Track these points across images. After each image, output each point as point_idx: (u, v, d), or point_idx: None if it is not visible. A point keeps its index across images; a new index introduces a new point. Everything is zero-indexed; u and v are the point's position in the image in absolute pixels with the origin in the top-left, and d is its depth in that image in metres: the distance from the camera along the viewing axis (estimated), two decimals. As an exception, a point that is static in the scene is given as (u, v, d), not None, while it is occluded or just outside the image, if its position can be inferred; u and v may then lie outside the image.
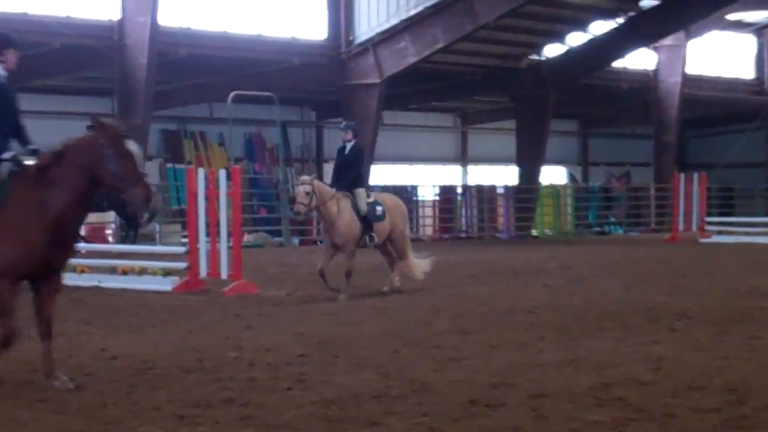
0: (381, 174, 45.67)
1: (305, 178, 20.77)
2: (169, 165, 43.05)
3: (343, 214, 20.26)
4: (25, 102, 36.53)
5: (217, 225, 21.47)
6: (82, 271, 22.90)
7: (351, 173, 20.81)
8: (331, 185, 20.78)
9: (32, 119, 38.65)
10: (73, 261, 23.84)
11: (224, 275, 21.17)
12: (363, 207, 20.53)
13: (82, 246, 28.99)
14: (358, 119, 41.04)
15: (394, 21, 40.14)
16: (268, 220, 40.76)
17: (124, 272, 22.42)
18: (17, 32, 32.32)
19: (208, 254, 21.40)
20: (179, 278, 21.48)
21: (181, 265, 21.73)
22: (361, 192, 20.81)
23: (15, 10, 33.42)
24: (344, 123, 22.11)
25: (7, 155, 11.21)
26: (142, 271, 22.22)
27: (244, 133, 45.23)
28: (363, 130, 40.91)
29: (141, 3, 34.05)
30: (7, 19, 32.70)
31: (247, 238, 35.47)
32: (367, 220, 20.59)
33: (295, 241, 39.11)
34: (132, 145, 11.12)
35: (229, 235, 21.72)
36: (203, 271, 21.36)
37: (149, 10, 33.86)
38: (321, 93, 45.61)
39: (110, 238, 35.47)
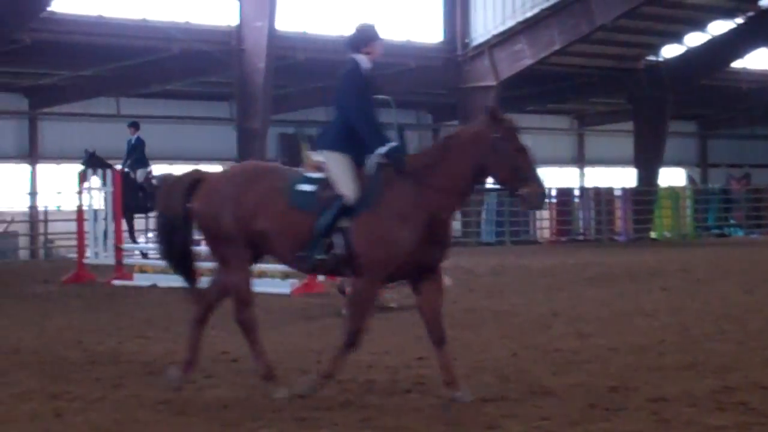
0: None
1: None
2: (288, 167, 43.33)
3: None
4: (146, 107, 37.24)
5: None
6: (203, 275, 23.06)
7: None
8: None
9: (153, 124, 39.38)
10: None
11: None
12: None
13: (201, 249, 29.30)
14: (474, 121, 41.01)
15: (510, 23, 40.05)
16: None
17: (244, 275, 22.56)
18: (137, 38, 33.08)
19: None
20: (298, 281, 21.57)
21: (300, 268, 21.84)
22: None
23: (135, 16, 33.85)
24: None
25: (382, 149, 11.17)
26: (262, 274, 22.31)
27: (362, 135, 45.36)
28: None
29: (259, 8, 34.32)
30: (128, 25, 33.21)
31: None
32: None
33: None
34: (526, 140, 11.00)
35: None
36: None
37: (267, 15, 34.12)
38: (437, 96, 45.64)
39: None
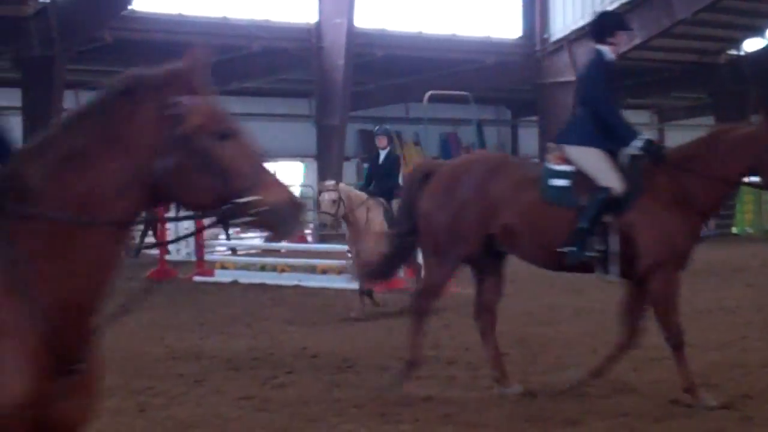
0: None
1: (330, 183, 18.93)
2: (366, 165, 43.43)
3: (374, 224, 17.98)
4: (225, 104, 37.11)
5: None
6: (283, 271, 23.23)
7: (388, 183, 18.83)
8: (362, 190, 19.18)
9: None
10: (274, 260, 24.34)
11: (422, 274, 21.20)
12: None
13: (281, 245, 29.42)
14: (553, 117, 40.89)
15: (590, 18, 39.78)
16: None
17: (324, 271, 22.66)
18: (217, 36, 33.27)
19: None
20: (378, 277, 21.56)
21: (380, 263, 21.80)
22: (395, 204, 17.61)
23: (215, 14, 34.06)
24: (378, 127, 20.02)
25: (638, 142, 10.76)
26: (341, 271, 22.41)
27: (439, 132, 45.35)
28: (558, 128, 40.80)
29: (338, 5, 34.41)
30: (208, 23, 33.38)
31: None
32: None
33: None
34: None
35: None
36: (401, 271, 21.40)
37: (346, 12, 34.20)
38: (516, 91, 45.54)
39: (309, 238, 35.90)
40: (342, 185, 19.07)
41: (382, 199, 18.38)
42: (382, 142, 19.07)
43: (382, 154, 19.09)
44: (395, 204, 17.18)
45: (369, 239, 17.26)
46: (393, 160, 19.21)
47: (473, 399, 10.70)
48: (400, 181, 18.64)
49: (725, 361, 12.76)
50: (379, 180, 18.88)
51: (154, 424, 9.73)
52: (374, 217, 18.01)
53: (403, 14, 38.48)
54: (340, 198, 18.10)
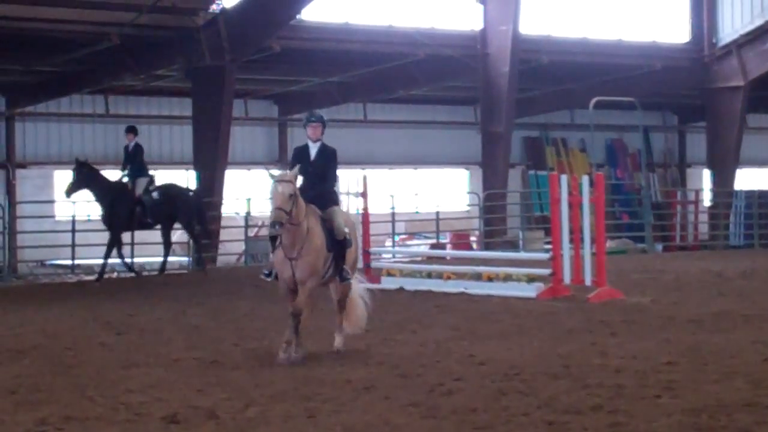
0: (747, 179, 44.59)
1: (286, 173, 14.20)
2: (531, 172, 43.28)
3: (313, 237, 14.22)
4: (391, 112, 37.38)
5: (581, 231, 21.33)
6: (449, 278, 23.23)
7: (325, 187, 14.93)
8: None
9: (398, 129, 39.75)
10: (440, 267, 24.34)
11: (588, 282, 21.06)
12: (342, 229, 14.55)
13: (447, 252, 29.43)
14: (721, 123, 40.38)
15: (759, 22, 39.24)
16: (631, 225, 40.41)
17: (489, 279, 22.58)
18: (383, 44, 33.40)
19: (572, 261, 21.34)
20: (543, 285, 21.47)
21: (545, 271, 21.69)
22: (338, 211, 14.85)
23: (380, 23, 34.27)
24: (310, 113, 15.55)
25: None
26: (507, 278, 22.33)
27: (605, 138, 45.05)
28: (726, 134, 40.30)
29: (503, 12, 34.38)
30: (374, 31, 33.64)
31: (609, 244, 35.27)
32: (341, 247, 14.62)
33: (659, 247, 38.63)
34: None
35: (593, 241, 21.52)
36: (567, 278, 21.28)
37: (511, 19, 34.16)
38: (683, 97, 44.97)
39: (475, 245, 35.86)
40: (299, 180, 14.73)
41: (316, 209, 14.46)
42: (315, 132, 15.04)
43: (314, 149, 15.02)
44: (338, 212, 14.77)
45: (307, 254, 14.05)
46: (330, 157, 15.11)
47: (642, 408, 10.56)
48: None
49: None
50: (316, 181, 14.80)
51: (323, 430, 9.78)
52: (314, 227, 14.23)
53: (568, 20, 38.31)
54: (296, 193, 13.89)
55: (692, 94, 42.73)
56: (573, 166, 42.39)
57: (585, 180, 21.60)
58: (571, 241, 21.27)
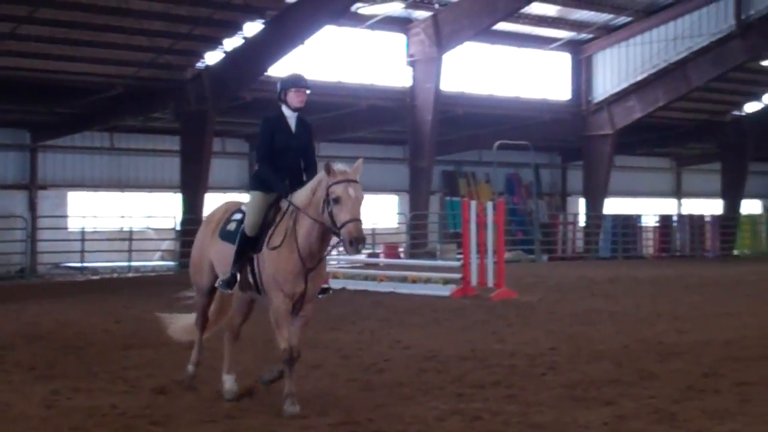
0: (613, 206, 44.86)
1: (348, 171, 9.35)
2: (448, 198, 43.26)
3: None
4: (340, 149, 36.95)
5: (485, 244, 21.38)
6: (381, 280, 23.18)
7: (314, 171, 9.78)
8: (280, 189, 9.61)
9: (344, 163, 39.61)
10: (375, 272, 24.29)
11: (490, 284, 21.12)
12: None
13: (380, 260, 29.37)
14: (594, 162, 40.71)
15: (624, 85, 39.65)
16: (524, 241, 40.52)
17: (413, 281, 22.56)
18: (334, 96, 33.24)
19: (478, 267, 21.37)
20: (455, 286, 21.47)
21: (457, 275, 21.73)
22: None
23: (332, 79, 34.20)
24: (296, 76, 10.09)
25: None
26: (427, 281, 22.34)
27: (505, 173, 45.11)
28: (598, 171, 40.64)
29: (428, 73, 34.38)
30: (327, 86, 33.51)
31: (507, 255, 35.34)
32: None
33: (545, 257, 38.84)
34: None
35: (494, 252, 21.58)
36: (474, 281, 21.32)
37: (434, 78, 34.19)
38: (566, 141, 45.12)
39: (402, 255, 35.84)
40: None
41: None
42: (301, 99, 9.90)
43: (292, 120, 9.88)
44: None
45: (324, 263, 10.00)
46: (310, 131, 10.04)
47: (531, 383, 10.58)
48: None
49: (729, 355, 12.54)
50: (296, 163, 9.86)
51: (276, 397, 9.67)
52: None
53: (479, 79, 38.39)
54: None
55: (573, 140, 42.93)
56: (480, 195, 42.41)
57: (489, 205, 21.71)
58: (478, 252, 21.32)
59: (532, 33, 38.63)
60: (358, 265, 25.31)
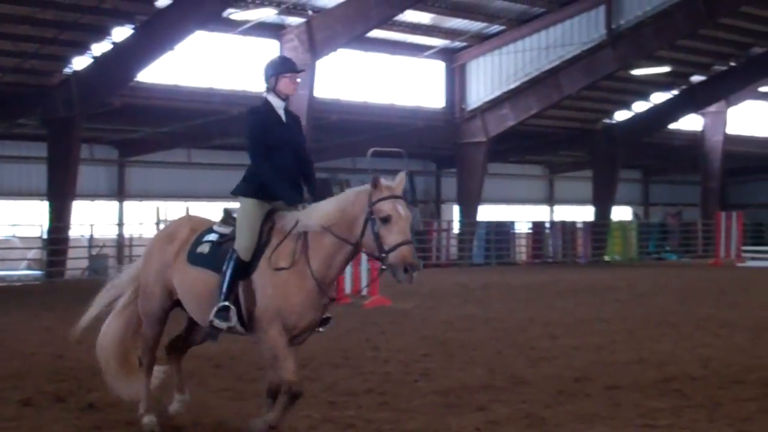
0: (486, 212, 45.41)
1: (392, 185, 8.16)
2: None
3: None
4: (211, 156, 36.58)
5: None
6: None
7: (313, 172, 8.75)
8: (291, 198, 8.35)
9: (218, 170, 39.21)
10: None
11: (364, 291, 21.16)
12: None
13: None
14: (468, 170, 41.14)
15: (498, 93, 40.18)
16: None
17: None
18: (205, 103, 32.99)
19: (352, 275, 21.41)
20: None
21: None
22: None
23: (203, 85, 33.93)
24: (287, 60, 8.92)
25: None
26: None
27: (379, 180, 45.29)
28: (472, 178, 41.09)
29: (301, 79, 34.28)
30: (198, 92, 33.25)
31: (381, 262, 35.47)
32: None
33: (421, 264, 39.11)
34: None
35: (368, 259, 21.59)
36: (348, 288, 21.33)
37: (308, 85, 34.11)
38: (440, 149, 45.57)
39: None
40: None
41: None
42: (294, 87, 8.67)
43: (280, 110, 8.60)
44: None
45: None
46: (299, 123, 8.88)
47: (405, 390, 10.63)
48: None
49: (600, 359, 12.79)
50: (292, 164, 8.54)
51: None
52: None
53: (353, 87, 38.50)
54: None
55: (447, 147, 43.36)
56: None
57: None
58: (351, 259, 21.30)
59: (406, 40, 38.93)
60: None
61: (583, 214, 50.10)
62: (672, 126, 48.60)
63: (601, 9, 37.63)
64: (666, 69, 41.63)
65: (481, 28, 39.10)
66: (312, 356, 13.04)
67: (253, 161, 8.34)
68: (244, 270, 8.04)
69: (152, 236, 9.20)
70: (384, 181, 8.01)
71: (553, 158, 52.62)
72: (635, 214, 56.44)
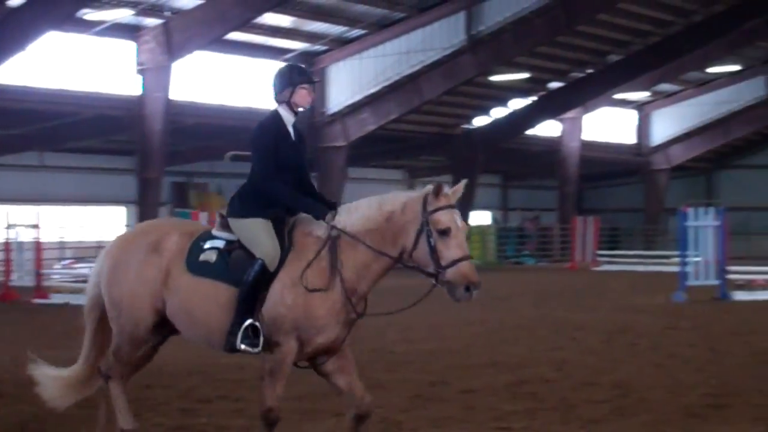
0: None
1: (448, 193, 7.76)
2: (178, 210, 42.84)
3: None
4: (64, 160, 35.88)
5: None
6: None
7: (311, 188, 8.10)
8: (321, 211, 7.66)
9: (70, 173, 38.50)
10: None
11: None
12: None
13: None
14: (328, 174, 41.16)
15: (358, 97, 40.31)
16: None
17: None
18: (57, 104, 32.36)
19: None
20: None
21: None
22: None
23: (56, 86, 33.24)
24: (301, 68, 8.34)
25: None
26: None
27: (237, 184, 44.94)
28: (333, 182, 41.14)
29: (158, 82, 33.87)
30: (50, 93, 32.56)
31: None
32: None
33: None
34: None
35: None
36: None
37: (164, 87, 33.73)
38: (299, 153, 45.52)
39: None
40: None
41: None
42: (309, 99, 7.98)
43: (289, 125, 7.91)
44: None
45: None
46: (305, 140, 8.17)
47: (258, 396, 10.56)
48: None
49: (455, 363, 12.91)
50: (303, 183, 8.03)
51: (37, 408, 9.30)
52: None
53: (210, 89, 38.17)
54: None
55: (308, 151, 43.33)
56: (211, 206, 42.22)
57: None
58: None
59: (266, 43, 38.76)
60: (81, 279, 24.70)
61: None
62: (530, 132, 49.48)
63: (462, 15, 38.07)
64: (525, 75, 42.40)
65: (342, 31, 39.18)
66: (167, 364, 12.87)
67: (263, 181, 7.66)
68: (267, 280, 7.36)
69: (113, 244, 8.22)
70: (447, 188, 7.45)
71: (413, 162, 53.06)
72: (494, 219, 57.28)
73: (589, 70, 45.91)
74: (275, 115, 7.79)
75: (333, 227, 7.38)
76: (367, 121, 40.61)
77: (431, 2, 38.00)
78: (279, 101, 7.80)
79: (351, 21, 38.31)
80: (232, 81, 39.01)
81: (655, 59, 43.67)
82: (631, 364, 12.96)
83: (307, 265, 7.32)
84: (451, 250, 7.27)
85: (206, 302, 7.51)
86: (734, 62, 49.69)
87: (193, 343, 7.94)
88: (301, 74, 7.87)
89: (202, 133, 38.49)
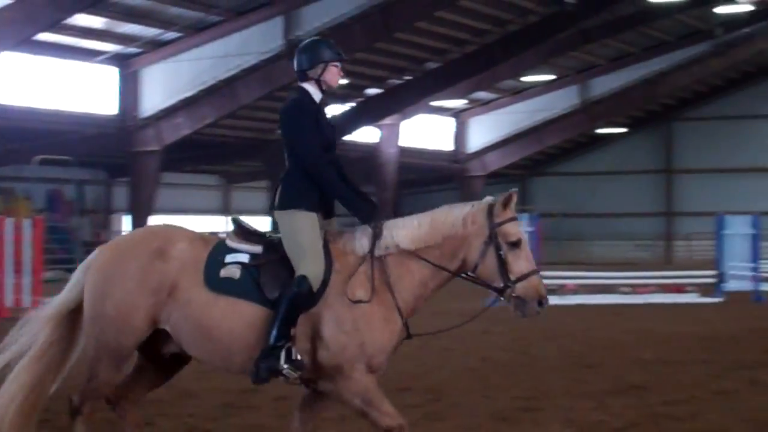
0: (160, 223, 45.04)
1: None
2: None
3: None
4: None
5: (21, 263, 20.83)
6: None
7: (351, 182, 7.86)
8: (368, 216, 7.40)
9: None
10: None
11: (27, 304, 20.47)
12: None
13: None
14: (141, 179, 40.56)
15: (173, 101, 39.85)
16: (65, 259, 39.68)
17: None
18: None
19: (14, 287, 20.73)
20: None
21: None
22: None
23: None
24: (332, 44, 7.50)
25: None
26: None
27: (46, 189, 44.01)
28: (145, 188, 40.56)
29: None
30: None
31: (46, 274, 34.39)
32: None
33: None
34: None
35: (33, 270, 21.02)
36: (9, 301, 20.61)
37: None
38: (111, 157, 44.78)
39: None
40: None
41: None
42: (338, 78, 7.53)
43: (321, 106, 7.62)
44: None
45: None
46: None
47: (63, 406, 10.32)
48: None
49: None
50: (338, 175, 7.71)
51: None
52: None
53: (17, 91, 37.14)
54: None
55: (119, 155, 42.63)
56: (18, 212, 41.09)
57: (27, 223, 21.18)
58: (15, 271, 20.69)
59: (78, 45, 37.96)
60: None
61: (261, 224, 50.58)
62: (348, 137, 49.83)
63: (279, 19, 38.14)
64: (343, 81, 42.57)
65: (156, 34, 38.64)
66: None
67: (313, 166, 7.30)
68: (308, 301, 6.83)
69: (101, 257, 7.39)
70: (515, 199, 7.05)
71: (229, 168, 52.85)
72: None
73: (407, 77, 46.59)
74: (305, 92, 7.37)
75: (373, 241, 7.08)
76: (181, 126, 40.18)
77: (249, 6, 37.87)
78: (306, 79, 7.38)
79: (165, 23, 37.83)
80: (41, 83, 38.05)
81: (472, 67, 44.59)
82: (443, 370, 13.15)
83: (358, 285, 6.97)
84: (521, 263, 6.97)
85: (228, 321, 6.95)
86: (548, 72, 51.24)
87: (201, 361, 7.31)
88: (333, 50, 7.38)
89: (7, 135, 37.39)
